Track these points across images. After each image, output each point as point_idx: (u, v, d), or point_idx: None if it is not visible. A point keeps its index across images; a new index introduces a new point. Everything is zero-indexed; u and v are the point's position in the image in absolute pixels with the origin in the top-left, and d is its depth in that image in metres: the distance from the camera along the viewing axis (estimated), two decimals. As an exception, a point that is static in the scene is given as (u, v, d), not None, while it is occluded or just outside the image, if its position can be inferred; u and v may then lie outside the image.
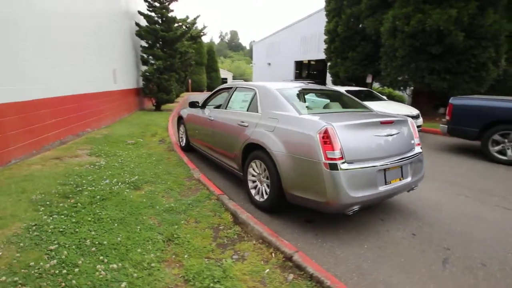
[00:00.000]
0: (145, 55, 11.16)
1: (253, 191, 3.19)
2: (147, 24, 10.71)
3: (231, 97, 3.94)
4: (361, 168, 2.41)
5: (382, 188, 2.52)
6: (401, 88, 10.15)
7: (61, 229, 2.34)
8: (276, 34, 25.54)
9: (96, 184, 3.34)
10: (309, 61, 25.40)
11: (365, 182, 2.43)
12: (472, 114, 5.41)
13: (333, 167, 2.31)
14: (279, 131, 2.75)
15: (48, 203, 2.79)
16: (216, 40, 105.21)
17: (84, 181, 3.38)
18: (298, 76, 24.97)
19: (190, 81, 28.33)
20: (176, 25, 11.30)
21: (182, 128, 5.66)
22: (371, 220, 2.86)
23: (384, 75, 10.04)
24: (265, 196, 2.96)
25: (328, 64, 12.84)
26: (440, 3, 7.72)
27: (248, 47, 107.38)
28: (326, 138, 2.36)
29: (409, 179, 2.76)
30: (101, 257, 2.02)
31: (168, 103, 12.18)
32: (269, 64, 26.70)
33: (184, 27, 11.21)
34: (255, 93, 3.40)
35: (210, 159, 4.37)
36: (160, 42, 11.03)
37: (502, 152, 5.08)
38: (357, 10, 10.38)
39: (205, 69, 35.94)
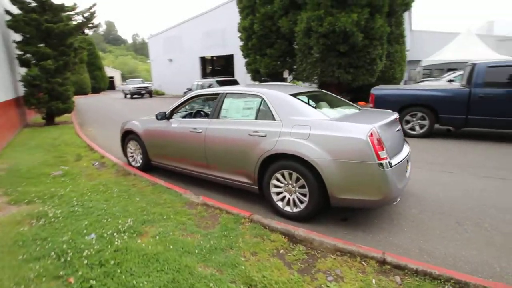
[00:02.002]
0: (23, 53, 8.38)
1: (280, 203, 3.03)
2: (21, 12, 8.01)
3: (221, 105, 3.52)
4: (399, 162, 2.68)
5: (407, 176, 2.91)
6: (315, 80, 11.53)
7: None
8: (176, 27, 23.96)
9: (80, 243, 2.37)
10: (212, 56, 25.21)
11: (401, 174, 2.74)
12: (389, 101, 6.75)
13: (386, 165, 2.47)
14: (315, 138, 2.69)
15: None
16: (87, 32, 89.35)
17: (58, 246, 2.34)
18: (204, 73, 24.45)
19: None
20: (66, 14, 8.92)
21: (133, 146, 4.68)
22: (388, 208, 3.22)
23: (301, 70, 11.14)
24: (302, 206, 2.86)
25: (246, 60, 13.13)
26: (343, 8, 9.11)
27: (130, 40, 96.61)
28: (376, 140, 2.49)
29: (410, 164, 3.26)
30: None
31: (66, 113, 9.67)
32: (171, 60, 24.93)
33: (81, 17, 8.99)
34: (262, 100, 3.17)
35: (186, 175, 3.84)
36: (47, 36, 8.50)
37: (412, 128, 6.63)
38: (271, 10, 10.98)
39: (85, 67, 30.21)
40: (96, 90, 33.04)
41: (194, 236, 2.61)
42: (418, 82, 15.34)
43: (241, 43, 13.09)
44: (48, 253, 2.23)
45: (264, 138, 2.99)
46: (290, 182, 2.91)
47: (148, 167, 4.54)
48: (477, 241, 2.49)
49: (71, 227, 2.67)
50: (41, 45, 8.49)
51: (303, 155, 2.70)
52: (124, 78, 45.86)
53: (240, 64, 20.59)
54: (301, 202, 2.88)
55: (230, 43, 20.81)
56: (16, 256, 2.19)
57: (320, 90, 4.11)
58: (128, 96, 23.38)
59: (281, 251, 2.42)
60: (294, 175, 2.84)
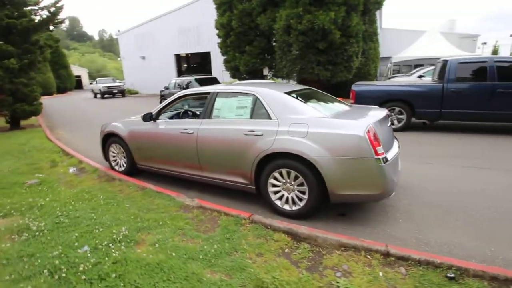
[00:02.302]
0: (-20, 52, 7.60)
1: (278, 202, 3.02)
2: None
3: (213, 104, 3.43)
4: (394, 156, 2.78)
5: (399, 169, 3.04)
6: (294, 77, 11.66)
7: None
8: (148, 23, 23.03)
9: (73, 257, 2.20)
10: (187, 54, 24.61)
11: (395, 167, 2.85)
12: (369, 97, 7.00)
13: (383, 160, 2.55)
14: (313, 136, 2.70)
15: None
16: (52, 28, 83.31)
17: (49, 261, 2.15)
18: (179, 71, 23.80)
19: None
20: (29, 8, 8.21)
21: (116, 149, 4.45)
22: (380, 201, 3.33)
23: (280, 67, 11.21)
24: (301, 204, 2.88)
25: (224, 58, 12.95)
26: (321, 6, 9.27)
27: (97, 37, 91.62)
28: (373, 136, 2.56)
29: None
30: None
31: (33, 116, 8.95)
32: (143, 57, 23.96)
33: (46, 12, 8.32)
34: (257, 99, 3.13)
35: (175, 178, 3.74)
36: (8, 33, 7.78)
37: (391, 123, 6.92)
38: (249, 6, 10.89)
39: (49, 65, 28.18)
40: (62, 90, 30.98)
41: (195, 241, 2.53)
42: (389, 78, 16.10)
43: (219, 40, 12.88)
44: (39, 270, 2.04)
45: (260, 138, 2.95)
46: (288, 180, 2.91)
47: (133, 171, 4.33)
48: (466, 228, 2.65)
49: (60, 240, 2.48)
50: (1, 42, 7.76)
51: (302, 153, 2.71)
52: (92, 77, 43.39)
53: (217, 62, 20.30)
54: (300, 200, 2.90)
55: (206, 40, 20.43)
56: (2, 277, 1.98)
57: (310, 87, 4.14)
58: (99, 96, 22.20)
59: (286, 250, 2.41)
60: (293, 173, 2.84)
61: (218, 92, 3.46)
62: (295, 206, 2.93)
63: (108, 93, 21.92)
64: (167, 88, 13.85)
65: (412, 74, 15.65)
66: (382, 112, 3.18)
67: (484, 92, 5.88)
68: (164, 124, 3.82)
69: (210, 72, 20.81)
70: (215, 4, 12.29)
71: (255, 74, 12.51)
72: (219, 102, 3.42)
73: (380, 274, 2.06)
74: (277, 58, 11.14)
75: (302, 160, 2.74)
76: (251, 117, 3.14)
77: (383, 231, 2.69)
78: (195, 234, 2.64)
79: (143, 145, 4.02)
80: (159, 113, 3.94)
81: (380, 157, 2.53)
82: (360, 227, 2.78)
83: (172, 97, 3.88)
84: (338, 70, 10.54)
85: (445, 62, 6.51)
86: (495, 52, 36.58)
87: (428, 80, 8.69)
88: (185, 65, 27.18)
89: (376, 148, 2.53)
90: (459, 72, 6.12)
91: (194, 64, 27.26)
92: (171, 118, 4.18)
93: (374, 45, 12.71)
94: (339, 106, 3.44)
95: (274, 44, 10.93)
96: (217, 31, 12.80)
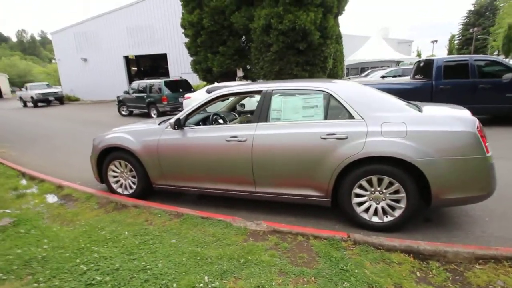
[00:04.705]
0: None
1: (364, 215, 2.61)
2: None
3: (269, 104, 2.84)
4: None
5: None
6: (272, 79, 11.40)
7: None
8: (91, 21, 20.29)
9: None
10: (139, 56, 22.48)
11: None
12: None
13: (492, 158, 2.34)
14: (415, 136, 2.36)
15: None
16: None
17: None
18: (130, 74, 21.59)
19: None
20: None
21: (120, 167, 3.49)
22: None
23: (258, 68, 10.83)
24: (396, 214, 2.51)
25: (193, 58, 12.02)
26: (300, 6, 9.19)
27: (15, 38, 78.61)
28: (482, 132, 2.34)
29: None
30: None
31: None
32: (85, 60, 21.06)
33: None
34: (330, 96, 2.67)
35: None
36: None
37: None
38: (221, 4, 10.26)
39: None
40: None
41: (305, 279, 1.95)
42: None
43: (185, 40, 11.91)
44: None
45: (344, 141, 2.50)
46: (378, 189, 2.52)
47: (146, 193, 3.45)
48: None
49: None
50: None
51: (403, 156, 2.35)
52: (14, 83, 36.66)
53: (176, 64, 19.00)
54: (393, 209, 2.53)
55: (162, 41, 18.93)
56: None
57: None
58: (30, 104, 18.81)
59: (418, 273, 2.01)
60: (386, 180, 2.46)
61: (273, 90, 2.89)
62: (387, 217, 2.55)
63: (43, 101, 18.68)
64: (127, 92, 12.26)
65: (366, 76, 16.96)
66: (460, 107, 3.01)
67: (468, 88, 6.41)
68: (198, 132, 3.08)
69: (166, 75, 19.29)
70: (181, 1, 11.30)
71: (228, 75, 11.90)
72: (277, 101, 2.85)
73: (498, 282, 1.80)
74: (253, 59, 10.73)
75: (398, 164, 2.39)
76: (326, 117, 2.67)
77: (483, 233, 2.49)
78: (297, 270, 2.04)
79: (166, 159, 3.17)
80: (187, 118, 3.18)
81: (490, 154, 2.32)
82: (457, 232, 2.54)
83: (206, 97, 3.15)
84: (315, 70, 10.63)
85: (428, 62, 6.95)
86: (418, 55, 42.49)
87: (404, 78, 9.28)
88: (135, 68, 24.84)
89: (486, 144, 2.32)
90: (445, 71, 6.58)
91: (148, 67, 25.10)
92: (197, 124, 3.42)
93: (340, 47, 13.25)
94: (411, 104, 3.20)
95: (250, 44, 10.50)
96: (183, 30, 11.81)
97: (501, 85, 6.19)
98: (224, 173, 2.96)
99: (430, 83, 6.64)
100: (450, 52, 42.93)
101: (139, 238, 2.50)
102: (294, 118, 2.77)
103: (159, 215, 2.95)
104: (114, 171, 3.55)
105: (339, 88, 2.70)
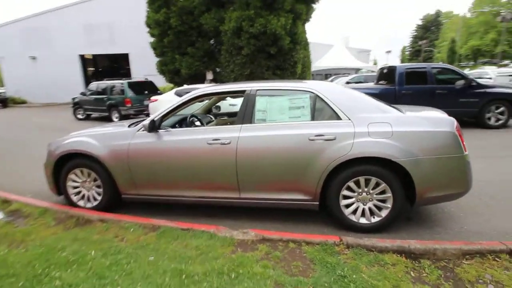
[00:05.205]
0: None
1: (352, 217, 2.58)
2: None
3: (253, 105, 2.70)
4: None
5: None
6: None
7: None
8: (41, 16, 18.38)
9: None
10: (96, 55, 20.93)
11: None
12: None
13: (468, 156, 2.46)
14: (400, 136, 2.39)
15: None
16: None
17: None
18: (86, 75, 19.97)
19: None
20: None
21: (81, 176, 3.08)
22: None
23: (228, 71, 10.65)
24: (382, 214, 2.52)
25: (159, 59, 11.45)
26: (271, 11, 9.25)
27: None
28: (460, 132, 2.44)
29: None
30: None
31: None
32: (34, 58, 19.00)
33: None
34: (316, 96, 2.61)
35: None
36: None
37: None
38: (190, 4, 9.93)
39: None
40: None
41: (303, 290, 1.82)
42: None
43: (152, 40, 11.32)
44: None
45: (333, 142, 2.45)
46: (366, 189, 2.50)
47: (114, 204, 3.07)
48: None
49: None
50: None
51: (390, 156, 2.36)
52: None
53: (138, 65, 18.04)
54: (380, 209, 2.54)
55: (123, 40, 17.85)
56: None
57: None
58: (-36, 107, 16.37)
59: (412, 273, 2.00)
60: (373, 180, 2.46)
61: (257, 90, 2.75)
62: (375, 217, 2.55)
63: (-20, 104, 16.41)
64: (84, 94, 11.25)
65: (332, 82, 17.75)
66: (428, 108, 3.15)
67: (427, 93, 6.92)
68: (175, 135, 2.82)
69: (128, 76, 18.18)
70: (147, -2, 10.74)
71: (197, 78, 11.55)
72: (261, 102, 2.72)
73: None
74: (224, 61, 10.55)
75: (385, 164, 2.40)
76: (313, 118, 2.60)
77: (461, 229, 2.60)
78: (294, 280, 1.90)
79: (139, 166, 2.85)
80: (162, 120, 2.90)
81: (467, 153, 2.43)
82: (438, 228, 2.62)
83: (183, 97, 2.90)
84: (285, 75, 10.76)
85: (391, 69, 7.40)
86: (375, 63, 45.84)
87: (371, 84, 9.76)
88: (92, 68, 23.06)
89: (464, 143, 2.43)
90: (406, 77, 7.04)
91: (107, 67, 23.43)
92: (173, 126, 3.15)
93: (307, 54, 13.63)
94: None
95: (220, 46, 10.30)
96: (148, 29, 11.21)
97: (454, 91, 6.78)
98: (205, 179, 2.74)
99: (393, 88, 7.05)
100: (402, 61, 47.04)
101: (110, 258, 2.17)
102: (280, 119, 2.66)
103: (132, 229, 2.62)
104: (74, 181, 3.10)
105: (325, 88, 2.66)
